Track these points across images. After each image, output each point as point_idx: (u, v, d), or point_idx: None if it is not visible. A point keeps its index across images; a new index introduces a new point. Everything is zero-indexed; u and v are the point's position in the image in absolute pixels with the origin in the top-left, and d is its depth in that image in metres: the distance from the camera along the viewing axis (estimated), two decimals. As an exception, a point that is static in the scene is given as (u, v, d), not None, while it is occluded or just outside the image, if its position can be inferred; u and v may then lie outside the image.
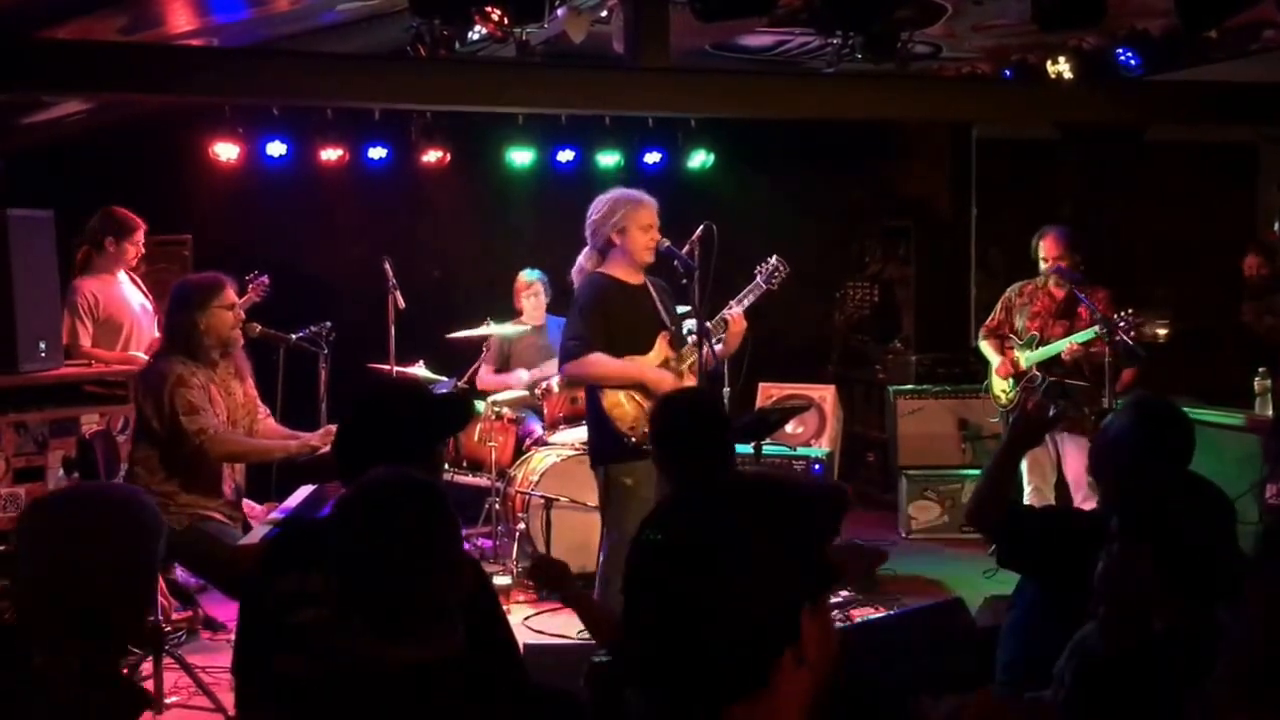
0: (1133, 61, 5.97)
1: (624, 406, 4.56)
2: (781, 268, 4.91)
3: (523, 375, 6.60)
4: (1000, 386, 6.16)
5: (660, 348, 4.68)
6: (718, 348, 4.71)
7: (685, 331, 4.73)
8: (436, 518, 1.99)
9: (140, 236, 5.66)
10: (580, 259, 4.79)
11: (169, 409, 4.29)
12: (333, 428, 4.52)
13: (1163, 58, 5.93)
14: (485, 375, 6.67)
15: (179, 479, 4.38)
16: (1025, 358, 5.98)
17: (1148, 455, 3.03)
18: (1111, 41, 6.00)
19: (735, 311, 4.74)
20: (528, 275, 6.77)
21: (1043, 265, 5.96)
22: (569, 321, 4.74)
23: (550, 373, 6.26)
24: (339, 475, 2.77)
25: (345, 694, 1.92)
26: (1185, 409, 3.50)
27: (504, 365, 6.77)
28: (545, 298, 6.73)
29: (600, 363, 4.58)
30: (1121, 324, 5.50)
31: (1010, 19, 5.79)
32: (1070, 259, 5.86)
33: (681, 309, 4.89)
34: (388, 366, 6.04)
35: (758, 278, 4.89)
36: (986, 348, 6.24)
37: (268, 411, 4.81)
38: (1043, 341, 5.93)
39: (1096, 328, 5.65)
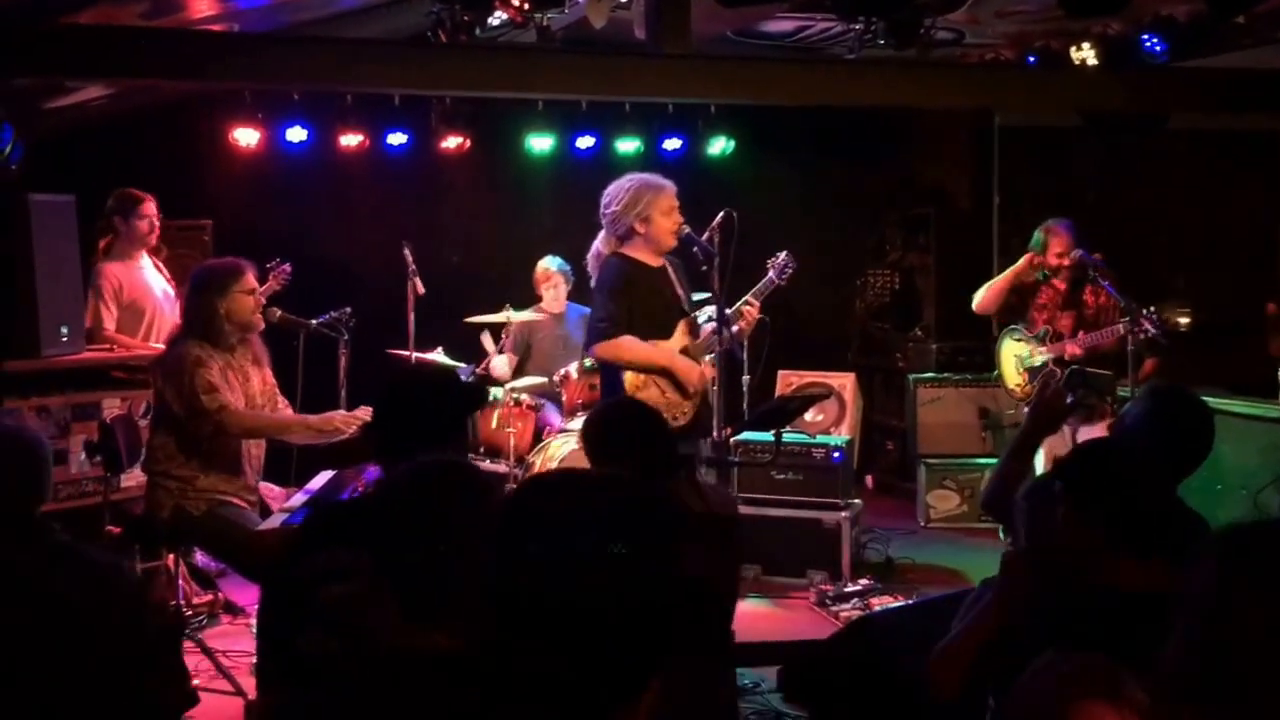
0: (1158, 48, 5.91)
1: (648, 391, 4.57)
2: (791, 264, 4.92)
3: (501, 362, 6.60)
4: (1015, 381, 6.13)
5: (680, 334, 4.68)
6: (735, 329, 4.71)
7: (705, 319, 4.73)
8: (479, 507, 1.99)
9: (148, 209, 5.65)
10: (597, 244, 4.79)
11: (189, 389, 4.30)
12: (358, 411, 4.54)
13: (1188, 44, 5.86)
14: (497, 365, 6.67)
15: (198, 462, 4.39)
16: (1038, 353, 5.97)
17: (1163, 444, 3.00)
18: (1136, 27, 5.94)
19: (748, 309, 4.75)
20: (547, 264, 6.75)
21: (1051, 260, 5.93)
22: (595, 303, 4.74)
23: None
24: (375, 456, 2.79)
25: (369, 677, 1.92)
26: (1210, 398, 3.48)
27: (524, 353, 6.77)
28: (566, 286, 6.71)
29: (631, 346, 4.58)
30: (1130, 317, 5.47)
31: (1033, 4, 5.74)
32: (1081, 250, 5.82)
33: (698, 296, 4.89)
34: (407, 352, 6.05)
35: (770, 272, 4.90)
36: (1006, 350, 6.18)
37: (287, 403, 4.81)
38: (1054, 335, 5.90)
39: (1121, 326, 5.62)
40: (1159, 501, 2.42)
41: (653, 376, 4.60)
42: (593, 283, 4.82)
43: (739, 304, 4.75)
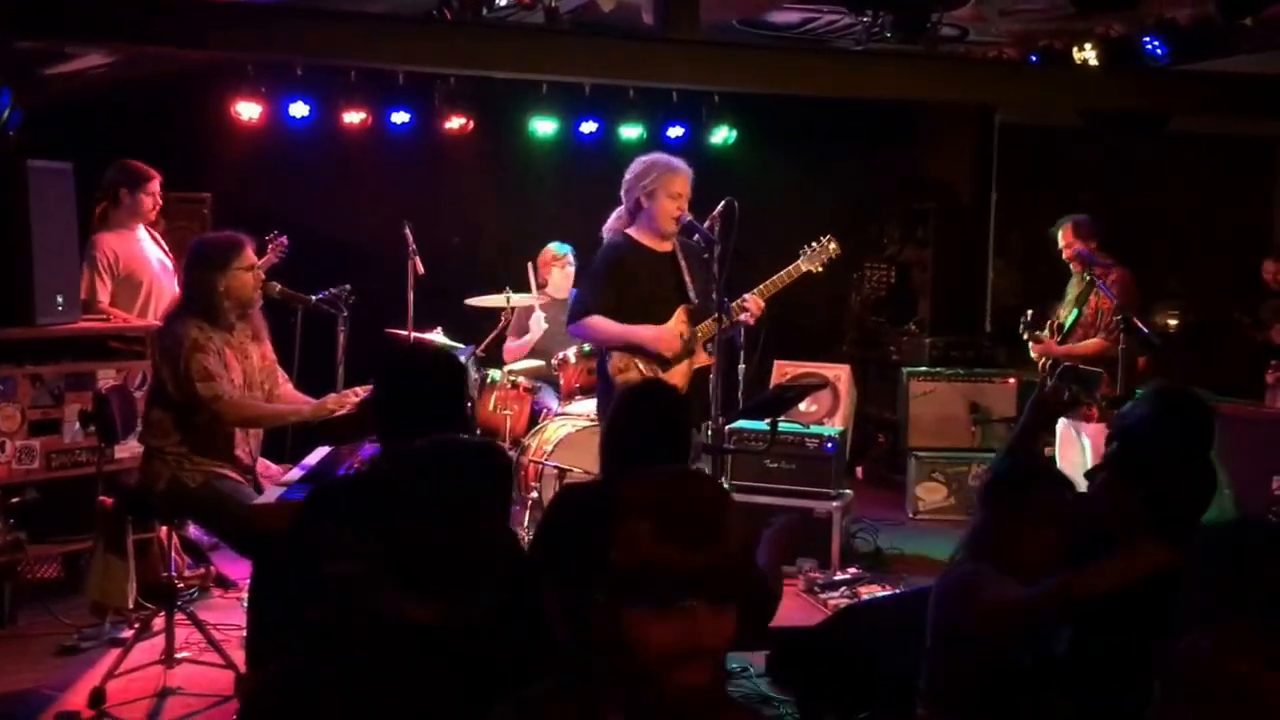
0: (1159, 50, 5.95)
1: (628, 374, 4.61)
2: (831, 250, 4.91)
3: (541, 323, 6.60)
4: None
5: (677, 320, 4.69)
6: (742, 317, 4.73)
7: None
8: (492, 485, 2.01)
9: (155, 186, 5.61)
10: (612, 218, 4.82)
11: (184, 374, 4.27)
12: (349, 392, 4.53)
13: (1189, 48, 5.90)
14: (510, 345, 6.67)
15: (192, 441, 4.37)
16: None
17: (1166, 444, 3.03)
18: (1139, 30, 5.97)
19: (751, 300, 4.74)
20: (558, 248, 6.74)
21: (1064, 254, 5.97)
22: (581, 282, 4.79)
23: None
24: (379, 437, 2.77)
25: (365, 646, 1.93)
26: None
27: (525, 336, 6.77)
28: (572, 270, 6.70)
29: (598, 324, 4.65)
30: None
31: (1038, 3, 5.76)
32: (1084, 246, 5.83)
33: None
34: (406, 332, 6.05)
35: (800, 258, 4.91)
36: None
37: (286, 377, 4.78)
38: (1057, 328, 5.95)
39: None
40: (1197, 488, 2.48)
41: (634, 360, 4.64)
42: None
43: (744, 296, 4.75)
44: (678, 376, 4.63)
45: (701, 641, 1.35)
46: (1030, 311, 5.94)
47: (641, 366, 4.62)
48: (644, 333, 4.65)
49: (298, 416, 4.54)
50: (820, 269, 4.94)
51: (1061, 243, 5.93)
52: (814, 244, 4.95)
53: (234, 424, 4.42)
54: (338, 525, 2.44)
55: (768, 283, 4.82)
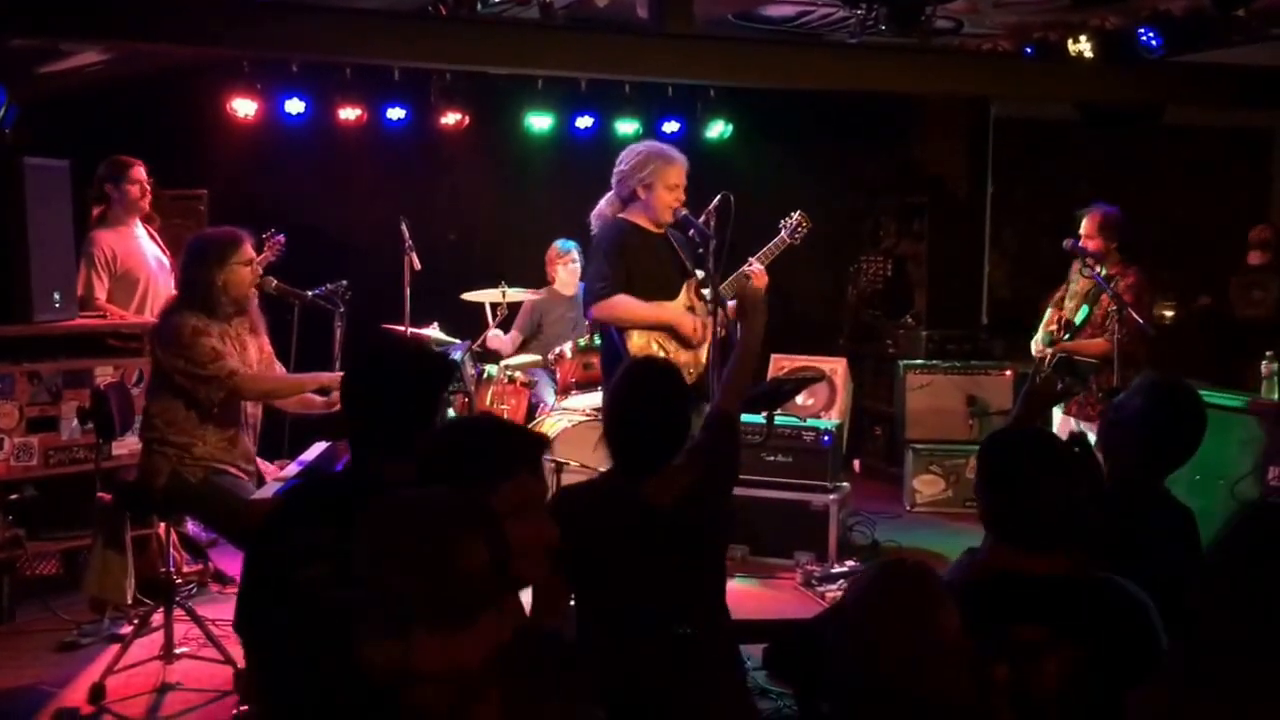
0: (1154, 42, 5.94)
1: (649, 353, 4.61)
2: (805, 223, 5.00)
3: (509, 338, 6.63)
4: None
5: (686, 294, 4.72)
6: (753, 269, 4.80)
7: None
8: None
9: (138, 174, 5.59)
10: (601, 204, 4.83)
11: (194, 360, 4.29)
12: None
13: (1184, 39, 5.90)
14: (495, 337, 6.68)
15: (199, 430, 4.39)
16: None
17: (1159, 436, 3.04)
18: (1133, 21, 5.97)
19: (757, 268, 4.79)
20: (563, 245, 6.75)
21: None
22: (592, 265, 4.80)
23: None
24: (351, 437, 2.72)
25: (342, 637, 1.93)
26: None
27: (534, 333, 6.78)
28: (579, 267, 6.71)
29: (626, 305, 4.62)
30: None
31: (1033, -6, 5.77)
32: (1103, 242, 5.68)
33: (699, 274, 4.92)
34: (402, 327, 6.05)
35: (782, 231, 4.97)
36: None
37: (284, 370, 4.80)
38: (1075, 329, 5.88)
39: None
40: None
41: (656, 339, 4.63)
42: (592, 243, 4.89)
43: (742, 269, 4.80)
44: (702, 353, 4.65)
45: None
46: (1051, 350, 5.83)
47: (665, 346, 4.63)
48: (674, 314, 4.66)
49: (316, 382, 4.55)
50: (798, 241, 5.02)
51: (1083, 231, 5.75)
52: (787, 219, 5.02)
53: (252, 397, 4.48)
54: (311, 527, 2.41)
55: (760, 254, 4.90)
